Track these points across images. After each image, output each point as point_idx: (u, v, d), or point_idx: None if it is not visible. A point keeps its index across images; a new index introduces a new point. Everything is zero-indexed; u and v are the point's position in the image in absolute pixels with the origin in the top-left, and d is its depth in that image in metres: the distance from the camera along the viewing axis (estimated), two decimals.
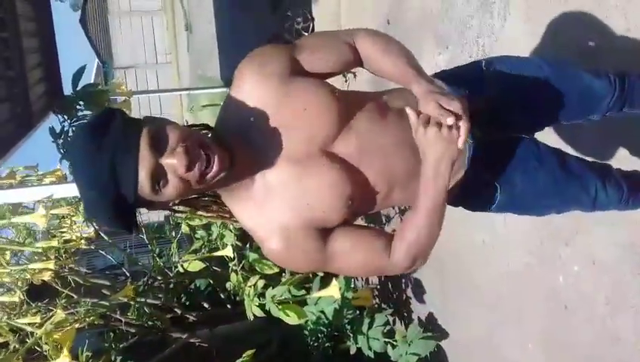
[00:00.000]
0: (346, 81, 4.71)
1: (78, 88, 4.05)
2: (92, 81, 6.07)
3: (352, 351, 3.66)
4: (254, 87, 1.22)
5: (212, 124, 1.31)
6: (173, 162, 1.07)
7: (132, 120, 1.13)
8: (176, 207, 1.30)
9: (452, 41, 3.50)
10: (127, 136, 1.06)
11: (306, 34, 5.92)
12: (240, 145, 1.19)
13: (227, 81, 7.20)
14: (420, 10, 3.90)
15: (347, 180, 1.21)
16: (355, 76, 4.71)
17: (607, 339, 2.42)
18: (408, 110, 1.17)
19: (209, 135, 1.25)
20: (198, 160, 1.08)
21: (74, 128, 3.85)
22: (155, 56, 14.67)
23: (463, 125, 1.14)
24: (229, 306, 4.12)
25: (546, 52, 2.62)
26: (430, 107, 1.16)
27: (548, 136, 1.88)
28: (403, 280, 4.19)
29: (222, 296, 4.10)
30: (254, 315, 3.09)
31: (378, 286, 4.51)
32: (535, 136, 1.61)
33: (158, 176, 1.08)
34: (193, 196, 1.31)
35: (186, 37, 13.15)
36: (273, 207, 1.21)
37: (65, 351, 2.37)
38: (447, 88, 1.36)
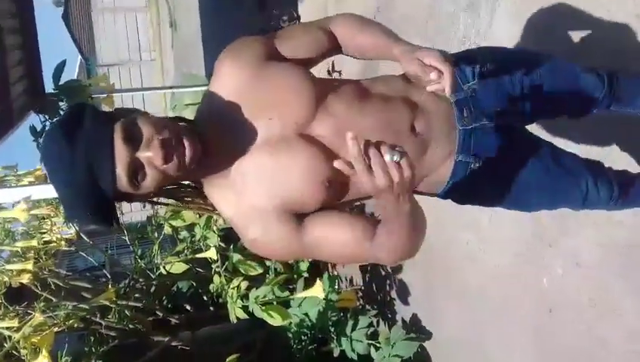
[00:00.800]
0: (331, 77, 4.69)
1: (60, 84, 3.98)
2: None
3: (336, 353, 3.66)
4: (230, 77, 1.23)
5: None
6: (150, 155, 1.07)
7: (103, 114, 1.12)
8: (157, 199, 1.30)
9: (439, 37, 3.49)
10: (100, 132, 1.06)
11: None
12: (215, 132, 1.19)
13: None
14: (408, 9, 3.89)
15: (324, 161, 1.19)
16: (340, 74, 4.70)
17: (592, 341, 2.42)
18: (350, 140, 1.00)
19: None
20: (174, 150, 1.08)
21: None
22: (139, 53, 14.55)
23: (446, 74, 1.11)
24: (211, 308, 4.08)
25: (533, 49, 2.61)
26: (412, 65, 1.16)
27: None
28: (387, 281, 4.18)
29: (205, 298, 4.06)
30: (237, 317, 3.06)
31: (362, 288, 4.50)
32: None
33: (136, 170, 1.08)
34: (173, 186, 1.30)
35: (170, 34, 13.07)
36: (251, 193, 1.20)
37: (44, 355, 2.33)
38: None
